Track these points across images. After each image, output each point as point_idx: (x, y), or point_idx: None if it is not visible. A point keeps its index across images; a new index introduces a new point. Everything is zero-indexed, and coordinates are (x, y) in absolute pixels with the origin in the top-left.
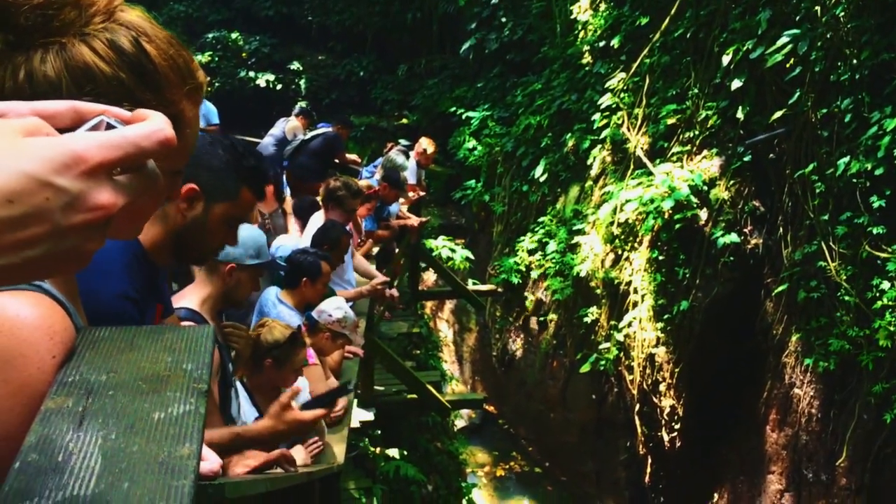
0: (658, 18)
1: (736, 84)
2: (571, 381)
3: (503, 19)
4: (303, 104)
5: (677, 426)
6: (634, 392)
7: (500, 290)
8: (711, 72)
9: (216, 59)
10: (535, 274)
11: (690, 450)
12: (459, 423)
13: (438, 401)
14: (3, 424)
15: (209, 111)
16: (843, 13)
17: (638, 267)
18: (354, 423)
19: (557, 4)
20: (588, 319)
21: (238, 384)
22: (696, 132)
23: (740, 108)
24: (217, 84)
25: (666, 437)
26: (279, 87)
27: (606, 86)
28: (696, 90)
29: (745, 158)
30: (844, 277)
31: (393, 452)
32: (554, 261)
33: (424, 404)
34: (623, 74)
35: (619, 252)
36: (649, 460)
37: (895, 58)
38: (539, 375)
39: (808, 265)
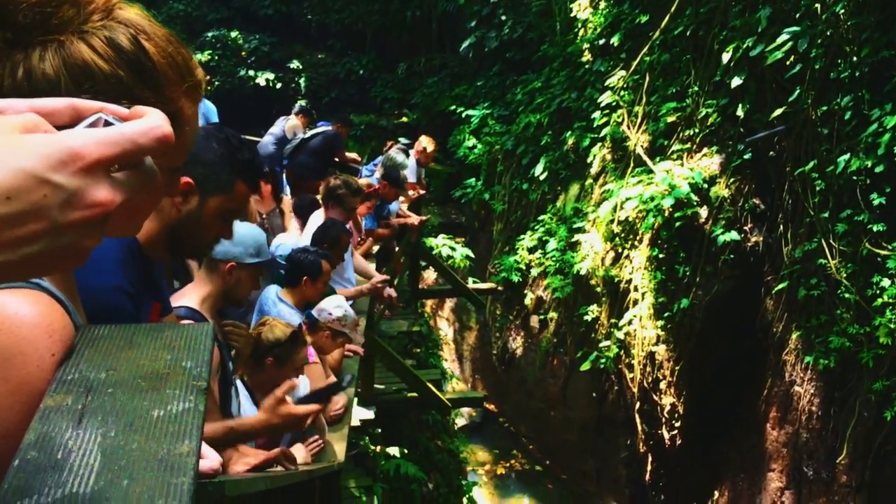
0: (658, 16)
1: (736, 82)
2: (572, 379)
3: (503, 17)
4: (302, 103)
5: (678, 424)
6: (635, 390)
7: (500, 288)
8: (711, 69)
9: (216, 57)
10: (535, 272)
11: (691, 448)
12: (460, 422)
13: (439, 399)
14: (3, 422)
15: (208, 110)
16: (842, 10)
17: (638, 265)
18: (355, 422)
19: (557, 2)
20: (588, 317)
21: (238, 383)
22: (696, 130)
23: (740, 105)
24: (217, 83)
25: (666, 435)
26: (279, 85)
27: (606, 84)
28: (696, 88)
29: (746, 156)
30: (845, 275)
31: (393, 451)
32: (554, 259)
33: (425, 403)
34: (623, 72)
35: (620, 250)
36: (650, 458)
37: (895, 55)
38: (539, 374)
39: (809, 263)
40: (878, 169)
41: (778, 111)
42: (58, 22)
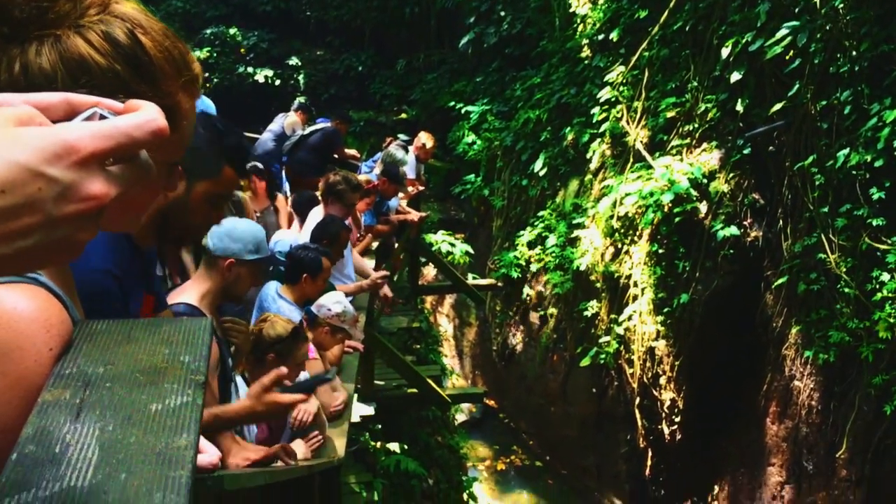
0: (657, 11)
1: (735, 76)
2: (572, 374)
3: (502, 13)
4: (301, 99)
5: (677, 419)
6: (634, 385)
7: (499, 284)
8: (711, 64)
9: (214, 54)
10: (534, 268)
11: (691, 442)
12: (460, 418)
13: (439, 395)
14: (1, 417)
15: (207, 107)
16: (842, 5)
17: (638, 260)
18: (355, 418)
19: None
20: (588, 313)
21: (238, 379)
22: (696, 125)
23: (740, 100)
24: (215, 80)
25: (666, 430)
26: (278, 82)
27: (605, 79)
28: (695, 83)
29: (745, 151)
30: (844, 269)
31: (393, 447)
32: (554, 255)
33: (425, 399)
34: (622, 68)
35: (619, 245)
36: (650, 453)
37: (894, 49)
38: (539, 369)
39: (808, 257)
40: (878, 163)
41: (777, 106)
42: (54, 16)
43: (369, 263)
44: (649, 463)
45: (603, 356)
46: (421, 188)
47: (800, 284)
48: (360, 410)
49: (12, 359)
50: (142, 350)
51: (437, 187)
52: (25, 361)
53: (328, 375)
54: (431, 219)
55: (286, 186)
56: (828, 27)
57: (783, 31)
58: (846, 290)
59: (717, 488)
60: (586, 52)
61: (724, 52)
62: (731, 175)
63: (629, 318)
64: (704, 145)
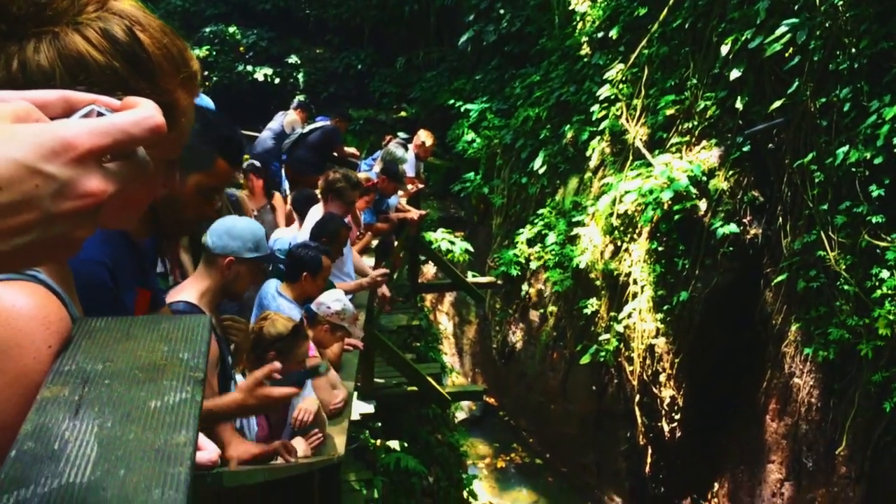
0: (656, 9)
1: (735, 74)
2: (571, 372)
3: (501, 11)
4: (301, 98)
5: (677, 416)
6: (634, 383)
7: (499, 282)
8: (710, 62)
9: (213, 53)
10: (534, 266)
11: (690, 440)
12: (460, 415)
13: (439, 393)
14: (0, 414)
15: (206, 106)
16: (841, 2)
17: (637, 258)
18: (355, 416)
19: None
20: (588, 311)
21: (239, 377)
22: (695, 123)
23: (739, 98)
24: (215, 78)
25: (666, 428)
26: (277, 80)
27: (605, 77)
28: (694, 80)
29: (745, 148)
30: (844, 267)
31: (393, 444)
32: (553, 252)
33: (425, 396)
34: (621, 65)
35: (619, 243)
36: (649, 451)
37: (894, 46)
38: (539, 367)
39: (808, 255)
40: (878, 160)
41: (777, 103)
42: (52, 13)
43: (369, 262)
44: (649, 460)
45: (603, 354)
46: (420, 186)
47: (799, 282)
48: (360, 408)
49: (11, 356)
50: (141, 347)
51: (436, 185)
52: (24, 359)
53: (320, 369)
54: (431, 217)
55: (286, 185)
56: (827, 24)
57: (783, 29)
58: (846, 287)
59: (716, 485)
60: (586, 50)
61: (724, 49)
62: (731, 172)
63: (629, 316)
64: (704, 143)
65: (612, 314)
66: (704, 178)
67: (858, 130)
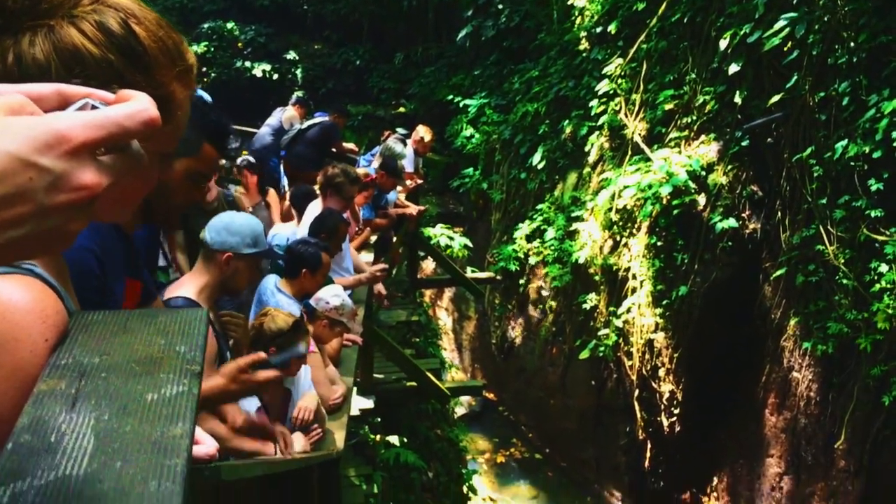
0: (655, 3)
1: (733, 68)
2: (571, 367)
3: (499, 6)
4: (299, 93)
5: (676, 411)
6: (633, 378)
7: (498, 277)
8: (709, 56)
9: (212, 49)
10: (533, 261)
11: (690, 434)
12: (459, 411)
13: (438, 388)
14: None
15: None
16: None
17: (636, 253)
18: (354, 411)
19: None
20: (587, 306)
21: None
22: (694, 117)
23: (738, 92)
24: (213, 74)
25: (665, 422)
26: (275, 76)
27: (604, 72)
28: (693, 75)
29: (743, 143)
30: (842, 261)
31: (393, 440)
32: (552, 248)
33: (424, 392)
34: (620, 60)
35: (618, 238)
36: (649, 445)
37: (893, 40)
38: (538, 362)
39: (807, 249)
40: (876, 154)
41: (775, 97)
42: (48, 6)
43: (367, 257)
44: (648, 455)
45: (602, 349)
46: (419, 182)
47: (798, 276)
48: (360, 403)
49: (8, 350)
50: (137, 340)
51: (435, 181)
52: (21, 352)
53: (300, 350)
54: (430, 212)
55: (284, 181)
56: (826, 18)
57: (781, 23)
58: (844, 281)
59: (716, 480)
60: (584, 45)
61: (723, 43)
62: (730, 167)
63: (628, 311)
64: (703, 137)
65: (612, 309)
66: (703, 173)
67: (857, 124)
